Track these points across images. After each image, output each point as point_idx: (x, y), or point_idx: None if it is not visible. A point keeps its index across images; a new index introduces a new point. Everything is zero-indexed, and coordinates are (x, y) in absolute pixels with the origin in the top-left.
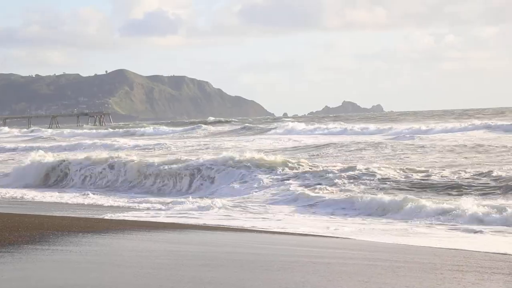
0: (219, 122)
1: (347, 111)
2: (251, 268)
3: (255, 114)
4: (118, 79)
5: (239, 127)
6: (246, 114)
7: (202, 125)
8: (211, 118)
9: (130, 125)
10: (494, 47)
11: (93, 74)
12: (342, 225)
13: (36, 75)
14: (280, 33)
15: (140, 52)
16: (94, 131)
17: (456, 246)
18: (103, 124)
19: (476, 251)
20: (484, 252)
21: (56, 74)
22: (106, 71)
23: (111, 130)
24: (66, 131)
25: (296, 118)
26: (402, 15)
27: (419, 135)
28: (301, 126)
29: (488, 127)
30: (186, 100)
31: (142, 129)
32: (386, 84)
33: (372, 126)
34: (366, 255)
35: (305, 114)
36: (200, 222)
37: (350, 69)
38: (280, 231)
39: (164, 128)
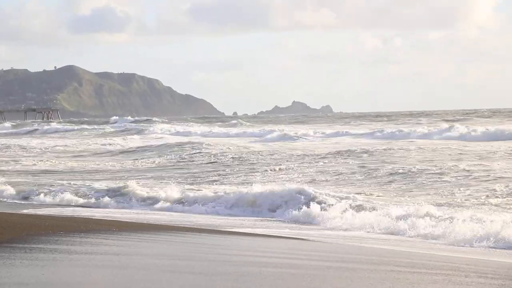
0: None
1: (297, 111)
2: None
3: (205, 112)
4: (67, 75)
5: None
6: (195, 112)
7: None
8: None
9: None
10: (439, 51)
11: (41, 70)
12: None
13: None
14: (228, 33)
15: (89, 48)
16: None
17: None
18: (51, 120)
19: None
20: None
21: (4, 69)
22: (55, 67)
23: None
24: None
25: (245, 117)
26: (350, 17)
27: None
28: None
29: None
30: (135, 97)
31: None
32: (335, 85)
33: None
34: None
35: (255, 114)
36: None
37: (298, 69)
38: None
39: None
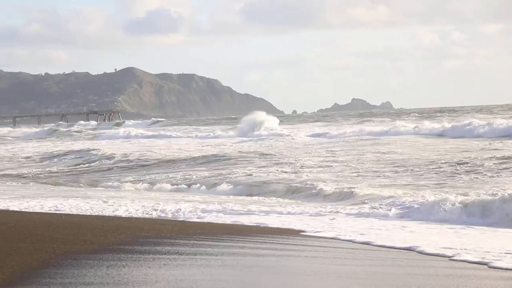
0: None
1: (356, 108)
2: None
3: (264, 111)
4: (127, 77)
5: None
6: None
7: None
8: None
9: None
10: (498, 43)
11: (102, 73)
12: None
13: (46, 73)
14: (282, 32)
15: (146, 50)
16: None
17: None
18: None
19: None
20: None
21: (66, 73)
22: (115, 69)
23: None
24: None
25: (305, 115)
26: (405, 12)
27: None
28: None
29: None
30: (195, 97)
31: None
32: (393, 81)
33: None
34: None
35: (314, 112)
36: None
37: (355, 66)
38: None
39: None
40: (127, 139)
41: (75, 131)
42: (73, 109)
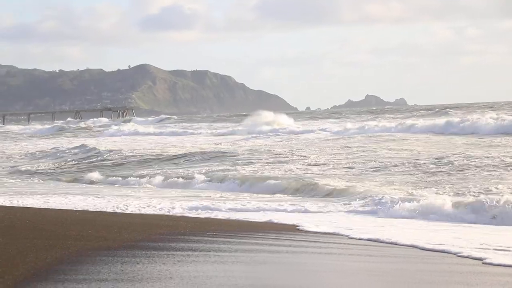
0: None
1: (370, 105)
2: None
3: (278, 108)
4: (141, 74)
5: None
6: (269, 108)
7: None
8: None
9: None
10: None
11: (116, 69)
12: None
13: (60, 70)
14: (296, 28)
15: (159, 46)
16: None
17: None
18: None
19: None
20: None
21: (80, 69)
22: (129, 66)
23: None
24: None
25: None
26: (419, 8)
27: None
28: None
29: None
30: (209, 94)
31: None
32: (407, 78)
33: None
34: None
35: (328, 108)
36: None
37: (369, 63)
38: None
39: None
40: (126, 135)
41: (81, 128)
42: (87, 106)
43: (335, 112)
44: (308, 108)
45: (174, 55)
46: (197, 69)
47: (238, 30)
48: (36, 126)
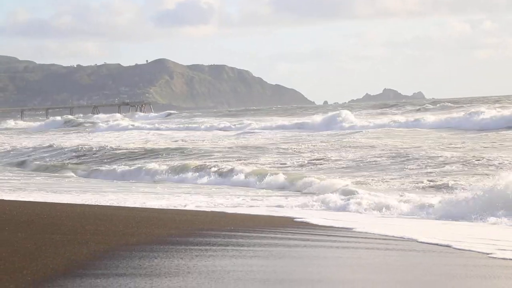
0: None
1: (388, 99)
2: None
3: (295, 102)
4: (158, 69)
5: None
6: (286, 102)
7: None
8: None
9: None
10: None
11: (133, 64)
12: None
13: (78, 65)
14: (311, 23)
15: (177, 41)
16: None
17: None
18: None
19: None
20: None
21: (97, 64)
22: (146, 61)
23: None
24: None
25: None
26: (434, 2)
27: None
28: None
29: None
30: (226, 88)
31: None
32: (425, 71)
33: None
34: None
35: (345, 102)
36: None
37: (385, 56)
38: None
39: None
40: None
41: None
42: (105, 101)
43: (346, 106)
44: (325, 102)
45: (191, 50)
46: (214, 64)
47: (253, 25)
48: (29, 123)
